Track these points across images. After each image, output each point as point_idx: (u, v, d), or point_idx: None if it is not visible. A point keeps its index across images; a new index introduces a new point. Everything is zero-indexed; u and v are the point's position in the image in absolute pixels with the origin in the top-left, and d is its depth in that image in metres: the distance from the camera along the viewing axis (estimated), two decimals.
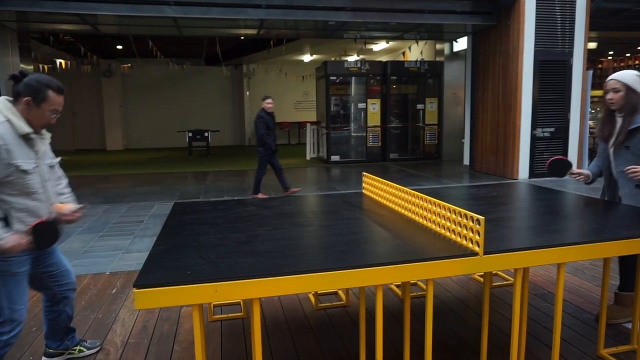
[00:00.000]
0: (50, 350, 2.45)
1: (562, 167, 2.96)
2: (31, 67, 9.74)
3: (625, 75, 2.64)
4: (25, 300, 2.10)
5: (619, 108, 2.66)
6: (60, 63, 10.77)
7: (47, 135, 2.16)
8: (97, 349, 2.58)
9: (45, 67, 10.74)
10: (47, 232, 2.00)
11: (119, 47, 14.36)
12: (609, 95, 2.67)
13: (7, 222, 1.95)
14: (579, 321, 2.86)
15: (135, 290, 1.47)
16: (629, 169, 2.58)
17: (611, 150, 2.74)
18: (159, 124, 16.95)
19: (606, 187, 2.87)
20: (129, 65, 13.65)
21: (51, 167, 2.18)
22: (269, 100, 6.94)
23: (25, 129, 1.97)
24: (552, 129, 8.67)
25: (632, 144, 2.62)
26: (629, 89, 2.61)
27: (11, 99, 2.00)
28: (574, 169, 2.94)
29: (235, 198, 6.80)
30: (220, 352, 2.57)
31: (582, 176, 2.89)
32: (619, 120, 2.69)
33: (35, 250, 2.02)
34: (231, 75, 17.04)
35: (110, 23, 8.87)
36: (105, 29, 9.38)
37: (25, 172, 1.96)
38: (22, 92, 1.97)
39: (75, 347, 2.50)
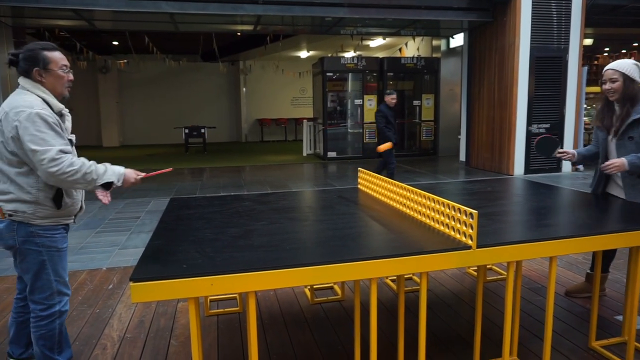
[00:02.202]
0: (11, 359, 2.30)
1: (550, 146, 3.00)
2: None
3: (623, 65, 2.63)
4: (67, 274, 2.18)
5: (617, 98, 2.66)
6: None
7: (69, 112, 2.21)
8: None
9: None
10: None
11: (115, 43, 14.30)
12: (607, 85, 2.66)
13: (59, 196, 2.03)
14: (571, 314, 2.89)
15: (131, 283, 1.48)
16: (606, 166, 2.60)
17: (613, 142, 2.73)
18: (155, 120, 16.91)
19: (599, 177, 2.87)
20: (125, 61, 13.60)
21: (74, 143, 2.24)
22: (393, 96, 7.11)
23: (59, 105, 2.05)
24: (547, 125, 8.71)
25: (635, 135, 2.61)
26: (626, 78, 2.60)
27: (28, 80, 2.00)
28: (560, 148, 2.97)
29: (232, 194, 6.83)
30: (217, 346, 2.59)
31: (568, 155, 2.93)
32: (618, 110, 2.69)
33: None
34: (228, 72, 16.99)
35: (107, 19, 8.83)
36: (101, 25, 9.33)
37: (72, 145, 2.07)
38: (27, 67, 1.99)
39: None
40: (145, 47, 11.56)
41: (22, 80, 2.01)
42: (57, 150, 1.90)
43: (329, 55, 14.37)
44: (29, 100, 1.94)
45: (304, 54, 15.58)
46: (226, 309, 3.04)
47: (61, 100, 2.13)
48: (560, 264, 3.80)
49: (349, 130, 11.75)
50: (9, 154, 1.94)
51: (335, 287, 3.34)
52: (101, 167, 2.02)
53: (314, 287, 3.22)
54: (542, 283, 3.42)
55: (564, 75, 8.62)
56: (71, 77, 2.11)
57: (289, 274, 1.61)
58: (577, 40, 8.55)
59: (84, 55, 12.68)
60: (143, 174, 2.19)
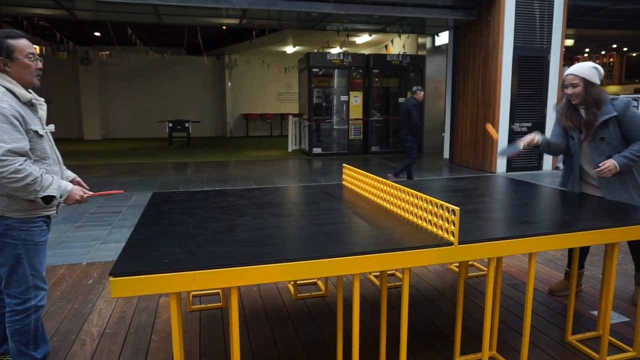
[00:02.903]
0: None
1: (510, 148, 2.91)
2: None
3: (582, 69, 2.67)
4: (44, 268, 2.15)
5: (580, 102, 2.70)
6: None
7: (43, 102, 2.16)
8: None
9: None
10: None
11: (97, 34, 14.02)
12: (569, 90, 2.71)
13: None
14: (549, 309, 2.96)
15: (111, 278, 1.46)
16: (600, 171, 2.65)
17: (584, 144, 2.79)
18: (138, 113, 16.65)
19: (570, 176, 2.93)
20: (108, 53, 13.34)
21: (51, 132, 2.19)
22: (422, 92, 7.36)
23: (27, 95, 1.99)
24: (529, 124, 8.85)
25: (606, 135, 2.68)
26: (587, 83, 2.65)
27: None
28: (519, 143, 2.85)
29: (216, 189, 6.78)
30: (199, 341, 2.57)
31: (529, 139, 2.80)
32: (583, 113, 2.74)
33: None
34: (213, 66, 16.83)
35: (88, 9, 8.63)
36: (82, 15, 9.12)
37: (40, 136, 2.01)
38: None
39: (8, 356, 2.29)
40: (128, 39, 11.36)
41: None
42: (5, 150, 1.81)
43: (315, 51, 14.35)
44: None
45: (290, 49, 15.51)
46: (209, 305, 3.02)
47: (33, 89, 2.07)
48: (540, 260, 3.88)
49: (335, 126, 11.76)
50: None
51: (319, 282, 3.35)
52: (48, 179, 1.94)
53: (297, 282, 3.22)
54: (521, 279, 3.49)
55: (545, 75, 8.77)
56: (40, 65, 2.04)
57: (272, 269, 1.60)
58: (558, 41, 8.70)
59: (64, 45, 12.39)
60: (90, 193, 2.14)
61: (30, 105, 2.02)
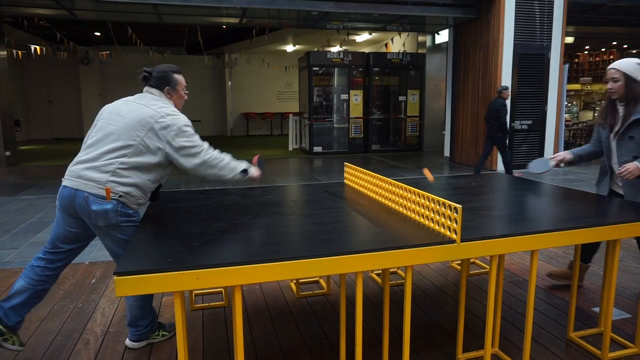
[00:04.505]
0: (2, 327, 2.18)
1: (540, 163, 2.99)
2: (4, 53, 9.43)
3: (625, 64, 2.63)
4: None
5: (620, 97, 2.66)
6: (36, 49, 10.44)
7: None
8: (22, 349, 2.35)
9: (20, 53, 10.41)
10: (263, 165, 2.57)
11: (97, 33, 14.01)
12: (609, 85, 2.67)
13: (157, 190, 2.39)
14: (550, 306, 2.96)
15: (115, 277, 1.47)
16: (621, 173, 2.60)
17: (614, 142, 2.74)
18: None
19: (603, 176, 2.88)
20: (108, 52, 13.33)
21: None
22: (509, 91, 7.56)
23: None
24: (529, 122, 8.85)
25: (636, 134, 2.63)
26: (628, 78, 2.60)
27: (161, 93, 2.35)
28: (549, 157, 2.99)
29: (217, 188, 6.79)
30: (202, 340, 2.58)
31: (560, 157, 2.91)
32: (621, 109, 2.69)
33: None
34: (213, 65, 16.82)
35: (88, 8, 8.64)
36: (83, 15, 9.12)
37: None
38: (159, 85, 2.35)
39: (18, 332, 2.30)
40: (129, 39, 11.36)
41: (154, 91, 2.35)
42: (207, 144, 2.30)
43: (315, 49, 14.34)
44: (175, 110, 2.30)
45: (290, 48, 15.50)
46: (211, 303, 3.03)
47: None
48: (541, 257, 3.88)
49: (335, 125, 11.76)
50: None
51: (321, 281, 3.36)
52: (242, 164, 2.39)
53: (300, 281, 3.23)
54: (523, 276, 3.49)
55: (546, 73, 8.77)
56: (186, 97, 2.49)
57: (275, 267, 1.61)
58: (558, 38, 8.70)
59: (64, 45, 12.39)
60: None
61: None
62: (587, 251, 3.14)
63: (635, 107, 2.63)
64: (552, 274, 3.26)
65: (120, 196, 2.14)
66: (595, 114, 14.17)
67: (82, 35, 14.02)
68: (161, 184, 2.40)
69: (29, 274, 2.25)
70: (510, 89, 8.56)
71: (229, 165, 2.32)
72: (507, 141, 7.60)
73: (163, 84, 2.35)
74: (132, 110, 2.24)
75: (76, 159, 2.21)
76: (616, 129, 2.72)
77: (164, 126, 2.18)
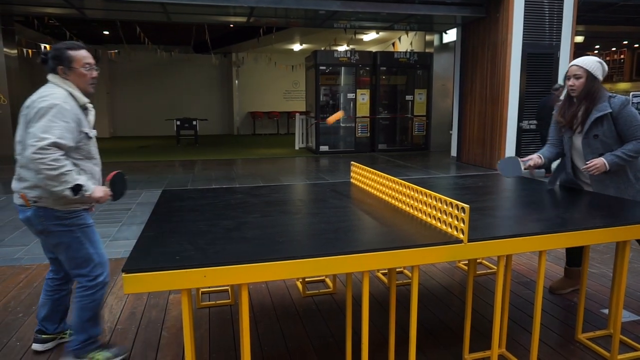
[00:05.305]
0: (44, 336, 2.40)
1: (513, 165, 2.85)
2: (15, 51, 9.53)
3: (587, 62, 2.63)
4: (102, 247, 2.33)
5: (579, 95, 2.67)
6: (45, 47, 10.52)
7: (92, 107, 2.30)
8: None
9: (30, 51, 10.51)
10: (119, 184, 2.28)
11: (106, 32, 14.11)
12: (570, 82, 2.67)
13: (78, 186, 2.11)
14: (558, 307, 2.94)
15: (124, 274, 1.48)
16: (587, 167, 2.63)
17: (579, 140, 2.74)
18: (147, 111, 16.75)
19: (563, 172, 2.88)
20: (116, 51, 13.42)
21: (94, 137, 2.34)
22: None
23: (83, 98, 2.17)
24: (537, 122, 8.78)
25: (600, 132, 2.64)
26: (589, 76, 2.61)
27: (55, 76, 2.13)
28: (523, 159, 2.87)
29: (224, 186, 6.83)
30: (208, 337, 2.59)
31: (534, 161, 2.84)
32: (581, 108, 2.69)
33: (112, 200, 2.25)
34: (220, 64, 16.86)
35: (97, 7, 8.70)
36: (92, 14, 9.20)
37: (89, 138, 2.20)
38: (53, 66, 2.12)
39: (66, 331, 2.48)
40: (137, 38, 11.43)
41: (50, 77, 2.14)
42: (51, 141, 1.95)
43: (322, 48, 14.32)
44: (55, 92, 2.06)
45: (297, 47, 15.51)
46: (217, 302, 3.05)
47: (87, 96, 2.23)
48: (548, 258, 3.85)
49: (341, 124, 11.75)
50: None
51: (327, 280, 3.36)
52: (77, 174, 2.05)
53: (306, 280, 3.23)
54: (530, 277, 3.47)
55: (555, 72, 8.69)
56: (95, 74, 2.22)
57: (281, 266, 1.61)
58: (568, 37, 8.61)
59: None
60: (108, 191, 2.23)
61: (84, 109, 2.19)
62: (574, 255, 3.10)
63: (592, 105, 2.63)
64: (553, 288, 3.18)
65: (35, 201, 2.07)
66: None
67: (91, 34, 14.12)
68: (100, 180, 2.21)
69: (44, 287, 2.41)
70: (519, 88, 8.52)
71: (64, 176, 1.97)
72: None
73: (56, 63, 2.13)
74: (25, 107, 2.08)
75: None
76: (575, 127, 2.73)
77: (33, 113, 1.99)
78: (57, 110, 1.99)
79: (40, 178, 1.98)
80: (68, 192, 2.01)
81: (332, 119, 2.83)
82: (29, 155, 1.93)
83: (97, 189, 2.14)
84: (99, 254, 2.25)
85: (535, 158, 2.87)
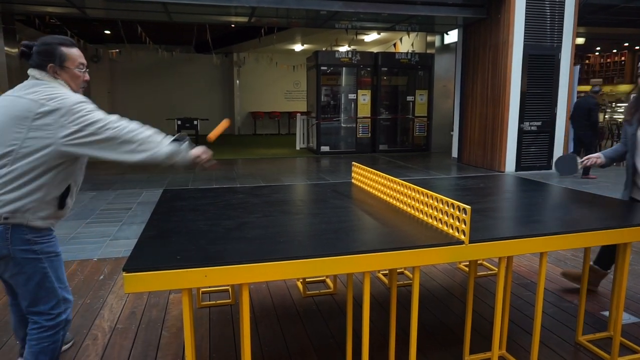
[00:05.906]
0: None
1: (569, 163, 2.88)
2: (16, 50, 9.53)
3: None
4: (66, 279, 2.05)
5: None
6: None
7: None
8: (70, 343, 2.49)
9: None
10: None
11: (107, 32, 14.11)
12: None
13: (65, 194, 1.92)
14: (559, 309, 2.94)
15: (124, 274, 1.48)
16: (585, 159, 2.61)
17: (637, 135, 2.65)
18: (148, 110, 16.71)
19: (629, 178, 2.76)
20: (117, 50, 13.43)
21: None
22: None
23: None
24: (538, 123, 8.78)
25: None
26: None
27: (44, 73, 1.85)
28: (580, 158, 2.87)
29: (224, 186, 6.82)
30: (209, 337, 2.59)
31: (592, 160, 2.80)
32: None
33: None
34: (221, 64, 16.87)
35: (99, 7, 8.71)
36: (93, 13, 9.20)
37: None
38: (40, 62, 1.84)
39: None
40: (138, 37, 11.43)
41: (35, 73, 1.85)
42: (114, 117, 1.83)
43: (324, 49, 14.33)
44: (61, 91, 1.82)
45: (298, 47, 15.51)
46: (218, 301, 3.04)
47: None
48: (549, 260, 3.85)
49: (342, 124, 11.75)
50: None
51: (327, 280, 3.36)
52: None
53: (306, 280, 3.23)
54: (531, 279, 3.47)
55: (556, 74, 8.69)
56: (87, 77, 2.01)
57: (282, 266, 1.61)
58: (569, 39, 8.61)
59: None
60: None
61: None
62: (607, 258, 3.03)
63: None
64: (566, 273, 3.21)
65: (6, 218, 1.73)
66: (606, 116, 14.03)
67: (92, 33, 14.13)
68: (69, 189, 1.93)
69: (11, 309, 2.16)
70: (520, 89, 8.52)
71: (154, 137, 1.82)
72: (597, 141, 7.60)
73: (45, 60, 1.83)
74: (4, 107, 1.77)
75: None
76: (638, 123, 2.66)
77: (47, 112, 1.72)
78: (84, 102, 1.80)
79: (147, 148, 1.81)
80: (174, 146, 1.85)
81: (213, 134, 2.28)
82: (103, 140, 1.74)
83: (197, 148, 1.98)
84: (63, 288, 1.94)
85: (595, 157, 2.82)
